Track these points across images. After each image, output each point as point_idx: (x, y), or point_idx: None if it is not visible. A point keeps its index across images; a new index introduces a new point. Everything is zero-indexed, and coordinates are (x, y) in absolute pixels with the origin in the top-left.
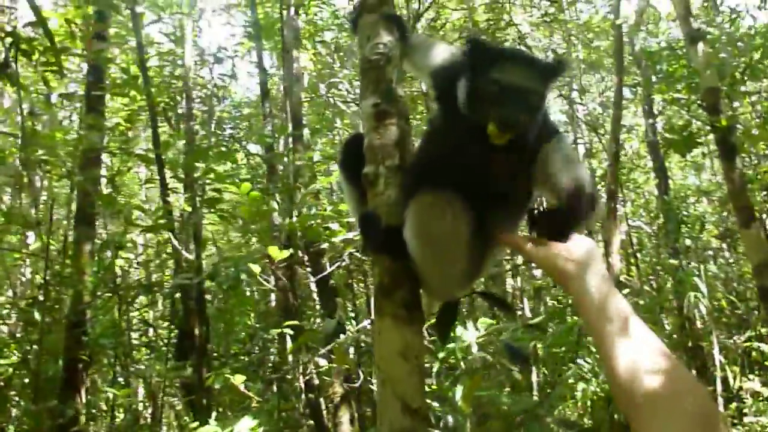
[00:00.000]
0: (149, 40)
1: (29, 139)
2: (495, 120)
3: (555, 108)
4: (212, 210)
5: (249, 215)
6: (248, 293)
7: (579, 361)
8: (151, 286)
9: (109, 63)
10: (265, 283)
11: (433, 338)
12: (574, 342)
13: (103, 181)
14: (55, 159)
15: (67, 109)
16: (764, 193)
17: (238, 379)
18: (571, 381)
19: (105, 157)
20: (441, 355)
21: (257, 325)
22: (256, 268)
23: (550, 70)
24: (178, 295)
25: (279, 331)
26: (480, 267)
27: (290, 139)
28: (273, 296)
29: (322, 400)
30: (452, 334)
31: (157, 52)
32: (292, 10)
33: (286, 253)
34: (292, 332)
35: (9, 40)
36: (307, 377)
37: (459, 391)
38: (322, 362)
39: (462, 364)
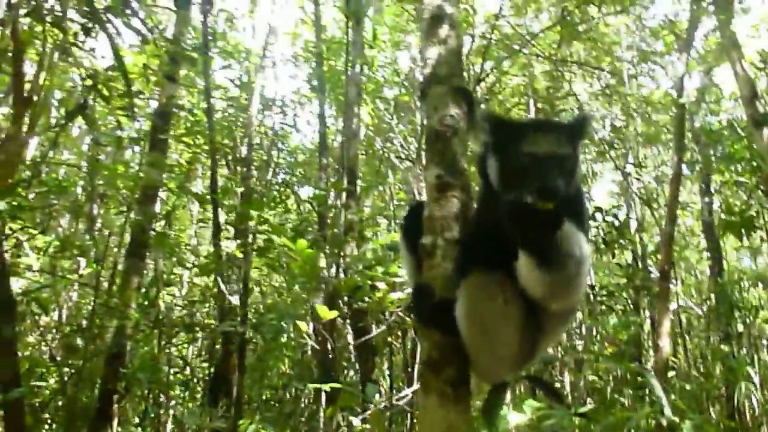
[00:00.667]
0: (217, 84)
1: (92, 170)
2: (534, 192)
3: (608, 178)
4: (262, 257)
5: (301, 272)
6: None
7: None
8: (193, 326)
9: (179, 107)
10: (307, 338)
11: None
12: None
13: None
14: (115, 191)
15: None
16: None
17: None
18: None
19: (162, 194)
20: None
21: (291, 373)
22: (303, 326)
23: (577, 129)
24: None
25: (315, 386)
26: (533, 351)
27: (344, 194)
28: (310, 344)
29: None
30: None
31: (223, 96)
32: (358, 66)
33: (333, 314)
34: (328, 389)
35: (89, 82)
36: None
37: None
38: (356, 422)
39: None
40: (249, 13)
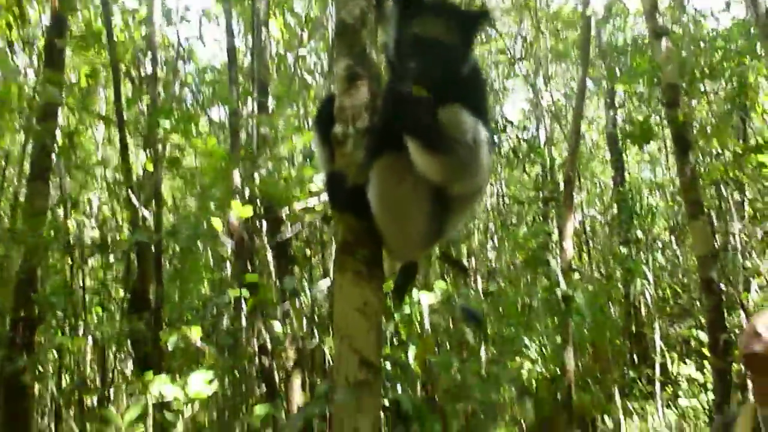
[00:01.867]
0: None
1: None
2: (411, 75)
3: (520, 95)
4: (174, 168)
5: (212, 172)
6: (203, 261)
7: (526, 342)
8: (106, 246)
9: (73, 13)
10: (225, 241)
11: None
12: (523, 322)
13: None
14: (11, 111)
15: (25, 61)
16: (713, 188)
17: (195, 333)
18: (517, 360)
19: (62, 116)
20: (396, 316)
21: (212, 294)
22: (217, 223)
23: (472, 21)
24: (133, 255)
25: (235, 296)
26: (441, 229)
27: (255, 105)
28: (228, 266)
29: (274, 365)
30: (408, 297)
31: (122, 9)
32: None
33: (248, 210)
34: (248, 295)
35: None
36: (261, 342)
37: (411, 353)
38: (277, 327)
39: (417, 326)
40: None
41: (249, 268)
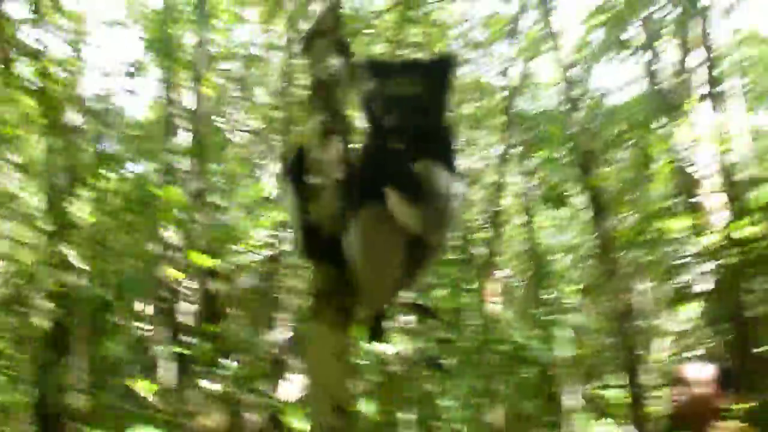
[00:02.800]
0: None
1: None
2: (389, 130)
3: None
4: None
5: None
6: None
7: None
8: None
9: None
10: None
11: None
12: None
13: None
14: None
15: None
16: (623, 252)
17: (145, 387)
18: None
19: None
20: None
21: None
22: (174, 272)
23: (441, 70)
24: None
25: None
26: (412, 279)
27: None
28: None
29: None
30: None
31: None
32: (207, 30)
33: (211, 261)
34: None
35: None
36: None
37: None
38: (208, 385)
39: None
40: None
41: (179, 320)
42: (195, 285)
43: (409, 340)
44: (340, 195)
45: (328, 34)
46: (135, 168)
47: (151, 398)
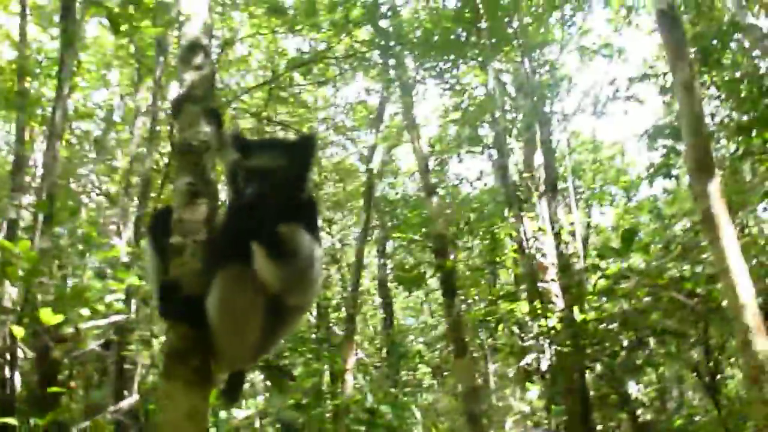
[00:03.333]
0: None
1: None
2: (249, 197)
3: None
4: None
5: (17, 276)
6: None
7: None
8: None
9: None
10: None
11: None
12: None
13: None
14: None
15: None
16: (472, 333)
17: None
18: None
19: None
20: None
21: None
22: (18, 331)
23: (299, 146)
24: None
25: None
26: (271, 341)
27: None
28: None
29: None
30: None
31: None
32: (67, 88)
33: (59, 317)
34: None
35: None
36: None
37: None
38: None
39: None
40: None
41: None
42: (32, 350)
43: (265, 403)
44: (203, 255)
45: (200, 101)
46: None
47: None
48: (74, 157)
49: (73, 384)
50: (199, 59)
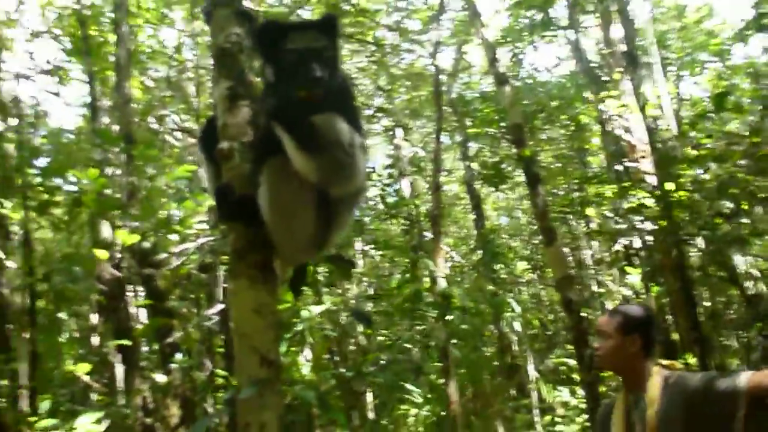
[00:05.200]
0: None
1: None
2: (302, 82)
3: (381, 150)
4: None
5: (95, 205)
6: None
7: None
8: None
9: None
10: (98, 285)
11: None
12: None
13: None
14: None
15: None
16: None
17: (82, 368)
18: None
19: None
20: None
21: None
22: (102, 254)
23: (328, 24)
24: None
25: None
26: (327, 234)
27: (123, 158)
28: (94, 339)
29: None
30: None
31: None
32: (126, 28)
33: (135, 237)
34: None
35: None
36: (143, 399)
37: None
38: (160, 378)
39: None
40: None
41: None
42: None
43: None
44: (250, 156)
45: (228, 3)
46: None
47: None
48: (153, 98)
49: (184, 310)
50: None
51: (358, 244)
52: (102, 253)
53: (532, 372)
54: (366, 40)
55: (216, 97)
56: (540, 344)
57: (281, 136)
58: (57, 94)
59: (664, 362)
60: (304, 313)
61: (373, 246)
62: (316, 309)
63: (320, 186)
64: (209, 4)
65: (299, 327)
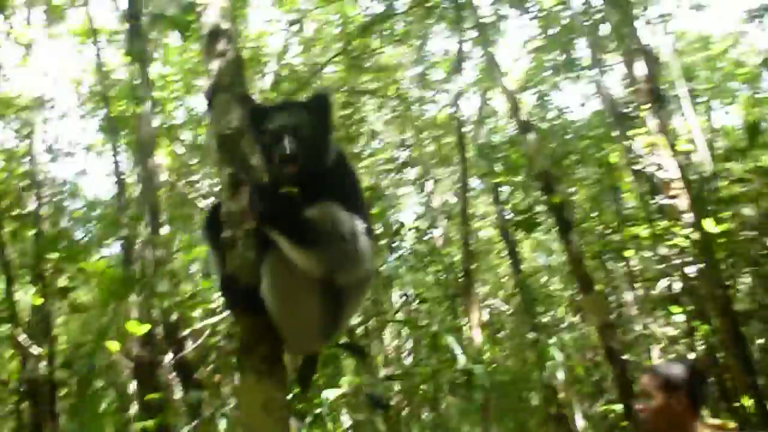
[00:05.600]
0: None
1: None
2: (277, 161)
3: (413, 200)
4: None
5: (105, 297)
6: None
7: None
8: None
9: None
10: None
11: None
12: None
13: None
14: None
15: None
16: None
17: None
18: None
19: None
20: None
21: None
22: (113, 345)
23: (316, 103)
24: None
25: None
26: (335, 321)
27: (148, 229)
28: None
29: None
30: (317, 397)
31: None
32: (149, 104)
33: (145, 327)
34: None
35: None
36: None
37: None
38: None
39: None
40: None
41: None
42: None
43: (354, 380)
44: (253, 244)
45: (228, 88)
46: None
47: None
48: (183, 165)
49: (217, 377)
50: (221, 45)
51: (395, 296)
52: (114, 344)
53: (579, 421)
54: (388, 96)
55: (220, 184)
56: (587, 388)
57: (275, 239)
58: (84, 172)
59: (716, 422)
60: (324, 394)
61: (406, 296)
62: (332, 393)
63: (324, 277)
64: (210, 92)
65: (318, 411)
